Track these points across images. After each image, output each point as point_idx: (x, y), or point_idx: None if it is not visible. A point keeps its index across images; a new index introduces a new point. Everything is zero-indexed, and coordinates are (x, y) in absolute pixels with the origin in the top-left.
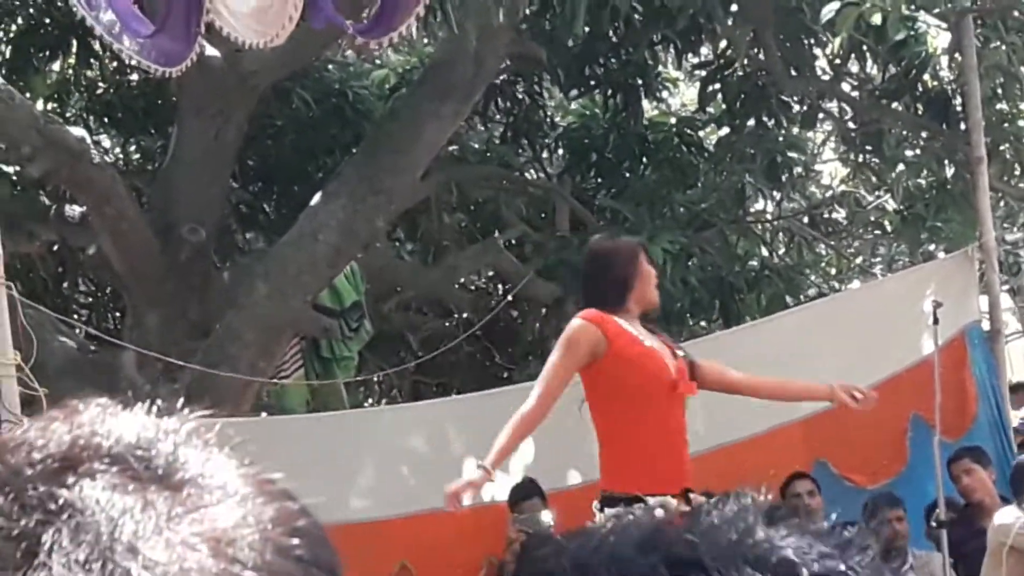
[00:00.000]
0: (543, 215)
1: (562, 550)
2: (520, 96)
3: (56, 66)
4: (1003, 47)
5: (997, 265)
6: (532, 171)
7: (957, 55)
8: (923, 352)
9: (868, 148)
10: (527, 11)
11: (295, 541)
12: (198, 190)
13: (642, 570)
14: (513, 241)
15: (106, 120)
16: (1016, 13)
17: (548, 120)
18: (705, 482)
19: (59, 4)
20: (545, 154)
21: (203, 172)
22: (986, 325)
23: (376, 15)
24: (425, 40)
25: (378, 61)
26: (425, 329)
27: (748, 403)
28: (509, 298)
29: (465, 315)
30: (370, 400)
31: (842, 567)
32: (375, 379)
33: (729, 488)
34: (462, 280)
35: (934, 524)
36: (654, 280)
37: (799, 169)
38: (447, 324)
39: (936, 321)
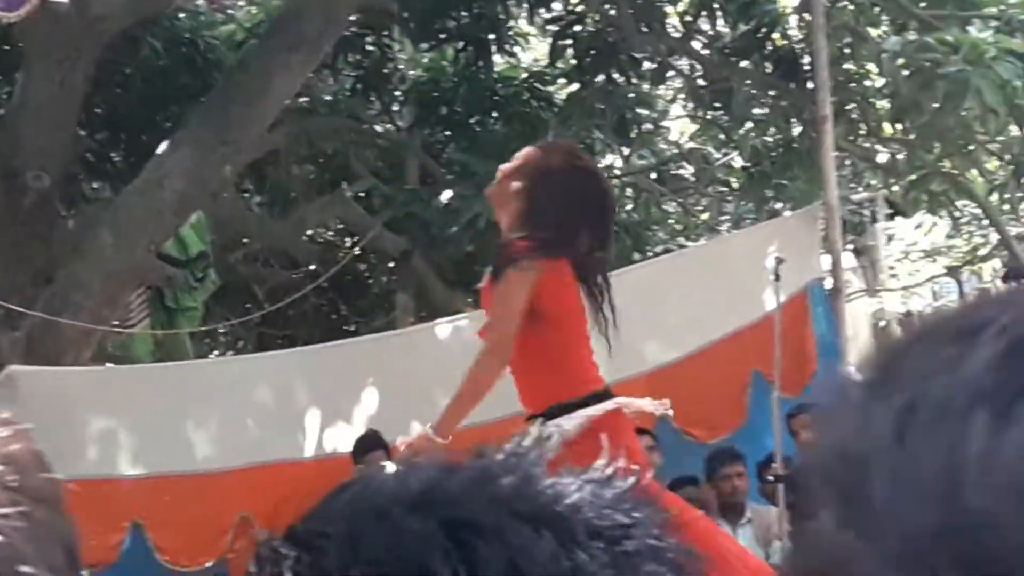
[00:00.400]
0: (392, 168)
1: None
2: (370, 48)
3: None
4: (851, 7)
5: (840, 224)
6: (382, 123)
7: (806, 14)
8: (765, 308)
9: (716, 105)
10: None
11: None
12: (43, 136)
13: (415, 536)
14: (362, 193)
15: None
16: None
17: (398, 73)
18: None
19: None
20: (395, 107)
21: (49, 118)
22: (828, 283)
23: None
24: None
25: (230, 12)
26: (272, 280)
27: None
28: (356, 250)
29: (312, 267)
30: (216, 351)
31: (622, 519)
32: (220, 330)
33: None
34: (310, 232)
35: (771, 479)
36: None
37: (648, 125)
38: (294, 276)
39: (778, 278)
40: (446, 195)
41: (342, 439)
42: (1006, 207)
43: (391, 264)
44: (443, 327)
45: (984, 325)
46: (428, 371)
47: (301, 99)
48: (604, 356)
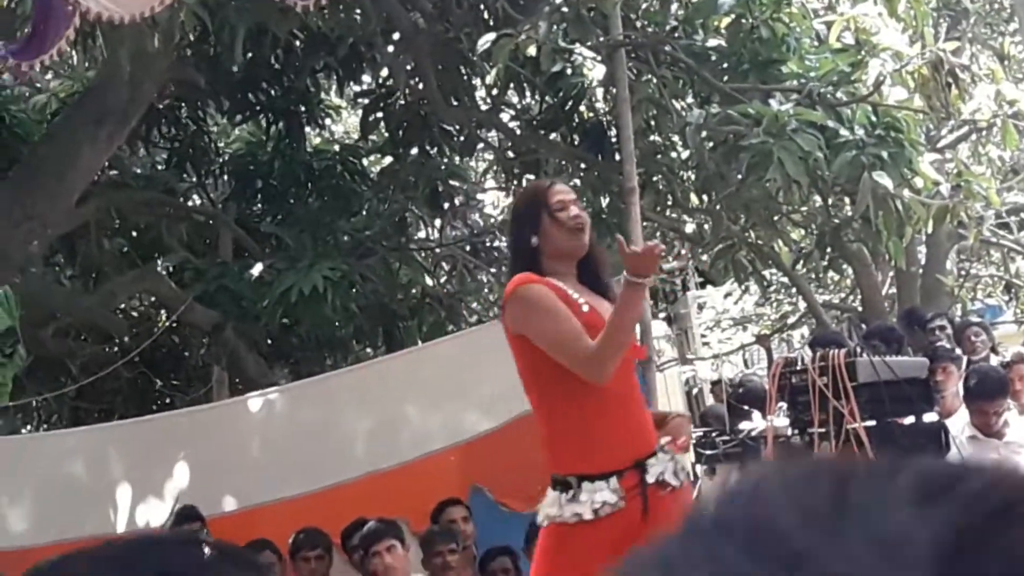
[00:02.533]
0: (207, 241)
1: None
2: (184, 121)
3: None
4: (655, 80)
5: (650, 294)
6: (196, 197)
7: (611, 87)
8: None
9: (527, 177)
10: (190, 36)
11: None
12: None
13: None
14: (173, 267)
15: None
16: (667, 47)
17: (213, 146)
18: (360, 509)
19: None
20: (210, 180)
21: None
22: None
23: (28, 37)
24: (87, 65)
25: (38, 85)
26: (84, 355)
27: (405, 428)
28: (168, 324)
29: (126, 340)
30: (29, 426)
31: None
32: (34, 404)
33: (384, 515)
34: (122, 306)
35: None
36: (572, 220)
37: (460, 198)
38: (107, 349)
39: None
40: (258, 268)
41: (154, 513)
42: (812, 276)
43: (205, 338)
44: (256, 400)
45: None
46: (241, 444)
47: (112, 172)
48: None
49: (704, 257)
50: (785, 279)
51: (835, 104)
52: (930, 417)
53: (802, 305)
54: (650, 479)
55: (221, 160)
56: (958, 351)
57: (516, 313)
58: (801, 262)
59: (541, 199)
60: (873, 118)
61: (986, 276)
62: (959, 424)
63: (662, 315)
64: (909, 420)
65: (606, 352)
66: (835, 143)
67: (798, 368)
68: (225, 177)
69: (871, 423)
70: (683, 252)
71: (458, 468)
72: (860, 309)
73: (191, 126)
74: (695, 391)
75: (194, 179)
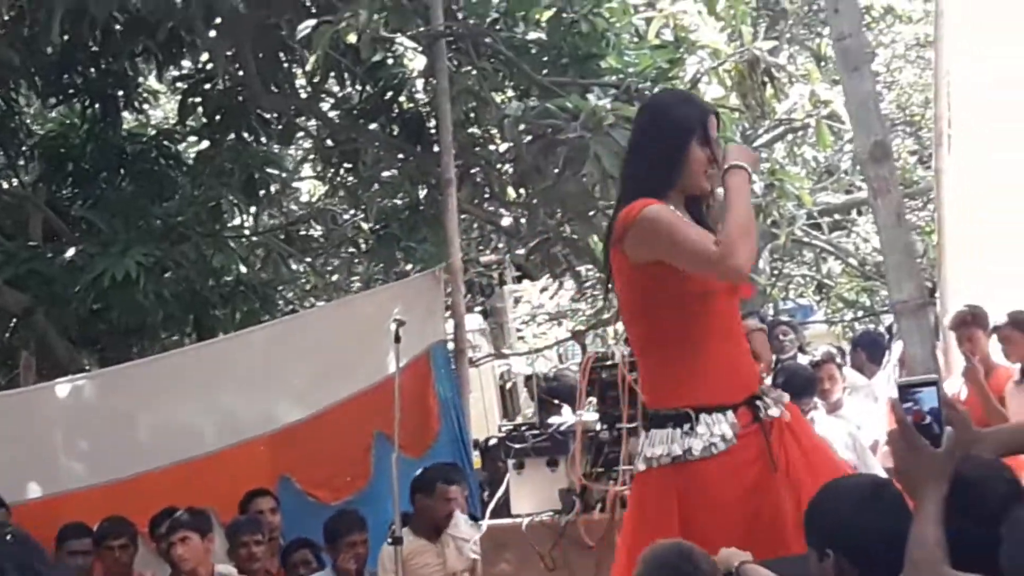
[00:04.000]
0: (16, 224)
1: None
2: None
3: None
4: (474, 72)
5: (464, 286)
6: (6, 179)
7: (431, 78)
8: (388, 370)
9: (345, 166)
10: (4, 17)
11: None
12: None
13: None
14: None
15: None
16: (488, 39)
17: (25, 128)
18: (169, 498)
19: None
20: (21, 162)
21: None
22: (453, 344)
23: None
24: None
25: None
26: None
27: (216, 417)
28: None
29: None
30: None
31: None
32: None
33: (194, 504)
34: None
35: (389, 541)
36: (704, 164)
37: (276, 185)
38: None
39: (398, 340)
40: (70, 252)
41: None
42: None
43: (13, 322)
44: (64, 386)
45: None
46: (48, 430)
47: None
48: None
49: (520, 251)
50: (601, 275)
51: None
52: None
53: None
54: (766, 414)
55: (32, 141)
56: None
57: (643, 236)
58: None
59: (698, 124)
60: None
61: (798, 276)
62: None
63: (478, 309)
64: None
65: (736, 239)
66: None
67: (608, 363)
68: (36, 160)
69: None
70: None
71: (268, 458)
72: None
73: (2, 106)
74: (509, 385)
75: (4, 160)
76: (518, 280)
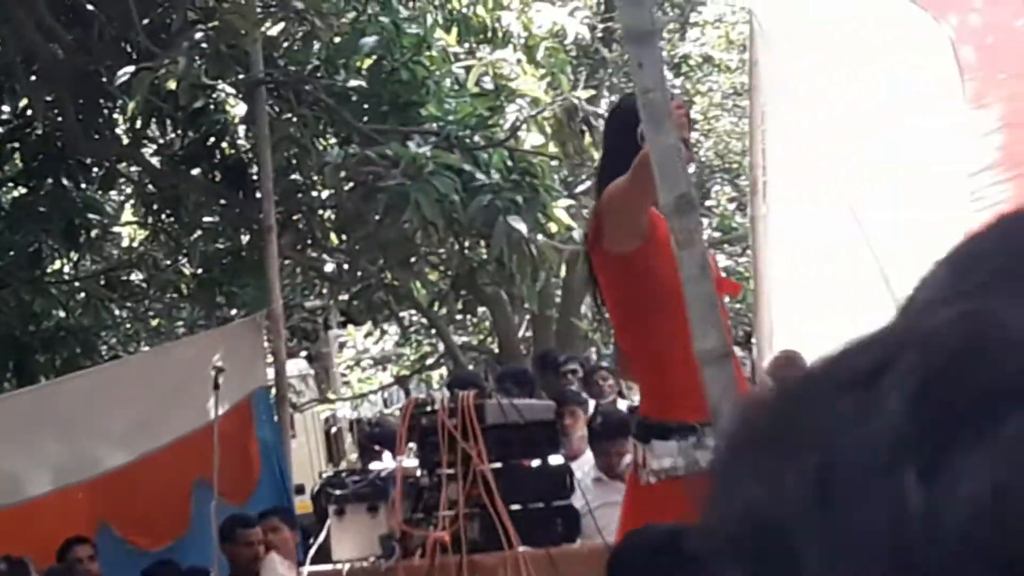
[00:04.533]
0: None
1: None
2: None
3: None
4: (295, 119)
5: (288, 331)
6: None
7: (253, 125)
8: (209, 416)
9: (167, 212)
10: None
11: None
12: None
13: None
14: None
15: None
16: (308, 87)
17: None
18: None
19: None
20: None
21: None
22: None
23: None
24: None
25: None
26: None
27: (34, 463)
28: None
29: None
30: None
31: None
32: None
33: (10, 552)
34: None
35: None
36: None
37: (97, 230)
38: None
39: (217, 386)
40: None
41: None
42: (451, 317)
43: None
44: None
45: (883, 367)
46: None
47: None
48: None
49: (344, 296)
50: (425, 320)
51: (472, 148)
52: (556, 459)
53: (441, 346)
54: None
55: None
56: (586, 395)
57: (609, 207)
58: (438, 303)
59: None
60: (509, 163)
61: None
62: (586, 466)
63: (303, 354)
64: (536, 462)
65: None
66: (472, 186)
67: (429, 409)
68: None
69: (498, 465)
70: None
71: (87, 505)
72: (497, 351)
73: None
74: (335, 430)
75: None
76: (343, 325)
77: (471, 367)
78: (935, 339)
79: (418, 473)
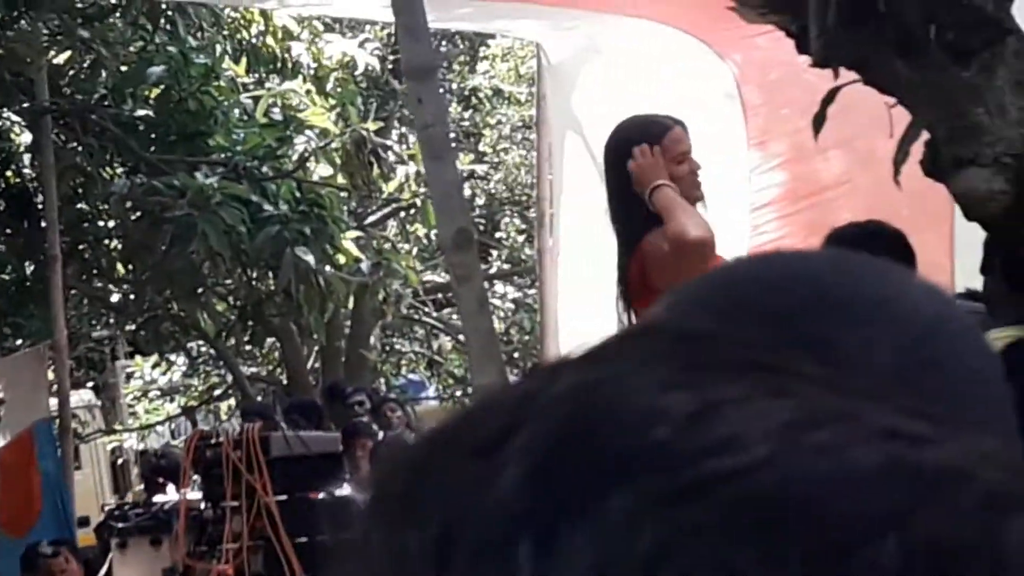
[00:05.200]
0: None
1: None
2: None
3: None
4: (81, 148)
5: (74, 362)
6: None
7: (38, 154)
8: None
9: None
10: None
11: None
12: None
13: None
14: None
15: None
16: (94, 116)
17: None
18: None
19: None
20: None
21: None
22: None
23: None
24: None
25: None
26: None
27: None
28: None
29: None
30: None
31: None
32: None
33: None
34: None
35: None
36: (692, 176)
37: None
38: None
39: None
40: None
41: None
42: (239, 348)
43: None
44: None
45: (506, 434)
46: None
47: None
48: None
49: (130, 327)
50: (213, 351)
51: (260, 179)
52: (342, 491)
53: (230, 377)
54: None
55: None
56: (375, 426)
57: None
58: (225, 334)
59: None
60: (298, 194)
61: (409, 352)
62: None
63: (89, 385)
64: (322, 495)
65: (680, 220)
66: (259, 217)
67: (214, 441)
68: None
69: (283, 497)
70: None
71: None
72: (286, 382)
73: None
74: (121, 462)
75: None
76: (131, 356)
77: (260, 398)
78: (554, 409)
79: (202, 506)
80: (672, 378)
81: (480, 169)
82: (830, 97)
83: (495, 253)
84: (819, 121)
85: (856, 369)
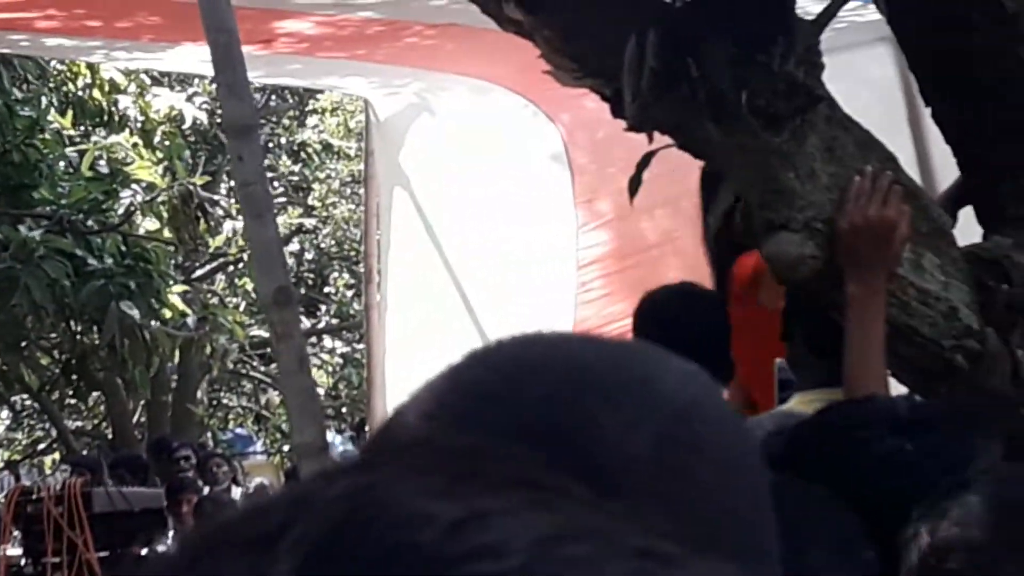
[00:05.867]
0: None
1: None
2: None
3: None
4: None
5: None
6: None
7: None
8: None
9: None
10: None
11: None
12: None
13: None
14: None
15: None
16: None
17: None
18: None
19: None
20: None
21: None
22: None
23: None
24: None
25: None
26: None
27: None
28: None
29: None
30: None
31: None
32: None
33: None
34: None
35: None
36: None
37: None
38: None
39: None
40: None
41: None
42: (64, 402)
43: None
44: None
45: (281, 531)
46: None
47: None
48: None
49: None
50: (37, 404)
51: (85, 232)
52: (165, 547)
53: (54, 431)
54: None
55: None
56: (200, 482)
57: None
58: (49, 388)
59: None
60: (123, 248)
61: (237, 406)
62: None
63: None
64: (145, 550)
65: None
66: (84, 271)
67: (34, 497)
68: None
69: (105, 553)
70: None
71: None
72: (111, 437)
73: None
74: None
75: None
76: None
77: (84, 452)
78: (327, 509)
79: (22, 562)
80: (442, 487)
81: (309, 223)
82: (645, 161)
83: (324, 308)
84: (634, 184)
85: (617, 456)
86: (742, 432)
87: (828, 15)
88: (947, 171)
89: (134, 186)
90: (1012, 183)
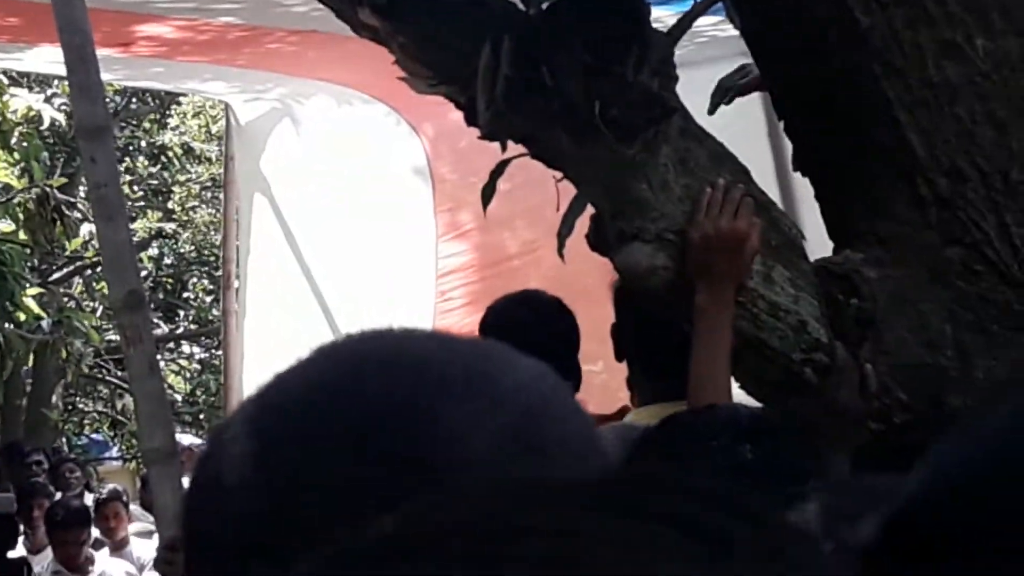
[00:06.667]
0: None
1: None
2: None
3: None
4: None
5: None
6: None
7: None
8: None
9: None
10: None
11: None
12: None
13: None
14: None
15: None
16: None
17: None
18: None
19: None
20: None
21: None
22: None
23: None
24: None
25: None
26: None
27: None
28: None
29: None
30: None
31: None
32: None
33: None
34: None
35: None
36: None
37: None
38: None
39: None
40: None
41: None
42: None
43: None
44: None
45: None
46: None
47: None
48: None
49: None
50: None
51: None
52: (15, 553)
53: None
54: None
55: None
56: (52, 487)
57: None
58: None
59: None
60: None
61: (92, 411)
62: (45, 560)
63: None
64: None
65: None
66: None
67: None
68: None
69: None
70: None
71: None
72: None
73: None
74: None
75: None
76: None
77: None
78: None
79: None
80: None
81: (169, 227)
82: (499, 170)
83: (182, 313)
84: (488, 193)
85: (454, 452)
86: (590, 434)
87: (682, 27)
88: (806, 184)
89: None
90: (863, 199)
